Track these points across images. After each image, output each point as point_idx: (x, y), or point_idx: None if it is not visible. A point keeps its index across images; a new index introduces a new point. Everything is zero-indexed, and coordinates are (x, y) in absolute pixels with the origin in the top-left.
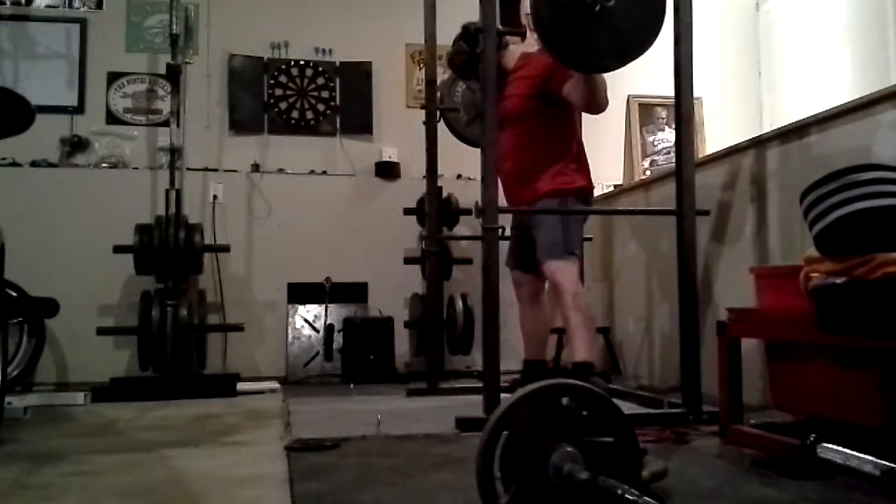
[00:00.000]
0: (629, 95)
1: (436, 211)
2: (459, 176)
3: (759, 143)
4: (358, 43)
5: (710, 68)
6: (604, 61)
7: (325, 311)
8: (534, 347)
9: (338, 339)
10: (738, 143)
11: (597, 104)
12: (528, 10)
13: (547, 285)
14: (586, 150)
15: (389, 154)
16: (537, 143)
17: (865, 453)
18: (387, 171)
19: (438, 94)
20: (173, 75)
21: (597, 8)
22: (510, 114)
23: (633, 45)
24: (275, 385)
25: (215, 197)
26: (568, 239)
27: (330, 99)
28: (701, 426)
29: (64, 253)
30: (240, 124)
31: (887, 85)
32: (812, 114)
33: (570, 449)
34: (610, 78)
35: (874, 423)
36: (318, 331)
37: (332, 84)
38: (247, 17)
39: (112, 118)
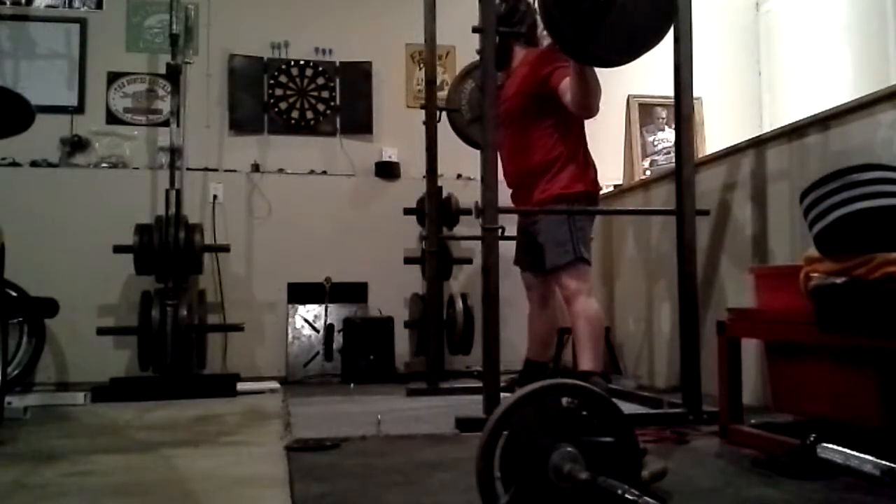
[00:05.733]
0: (629, 95)
1: (436, 211)
2: (459, 176)
3: (759, 143)
4: (358, 43)
5: (710, 68)
6: (613, 55)
7: (325, 311)
8: (537, 348)
9: (338, 339)
10: (738, 143)
11: (586, 106)
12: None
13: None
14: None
15: (389, 154)
16: (538, 144)
17: (865, 453)
18: (387, 171)
19: (446, 91)
20: (173, 75)
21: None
22: (508, 113)
23: (642, 39)
24: (275, 385)
25: (215, 197)
26: (576, 245)
27: (330, 99)
28: (701, 426)
29: (64, 253)
30: (240, 124)
31: (887, 85)
32: (812, 114)
33: (570, 449)
34: (610, 77)
35: (874, 423)
36: (318, 331)
37: (332, 84)
38: (247, 17)
39: (112, 118)
